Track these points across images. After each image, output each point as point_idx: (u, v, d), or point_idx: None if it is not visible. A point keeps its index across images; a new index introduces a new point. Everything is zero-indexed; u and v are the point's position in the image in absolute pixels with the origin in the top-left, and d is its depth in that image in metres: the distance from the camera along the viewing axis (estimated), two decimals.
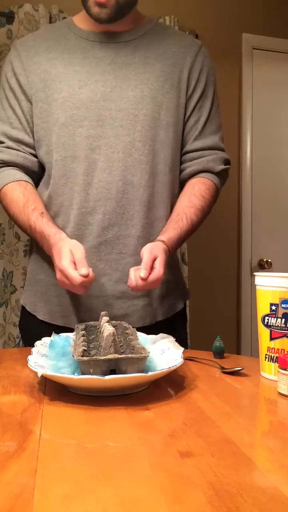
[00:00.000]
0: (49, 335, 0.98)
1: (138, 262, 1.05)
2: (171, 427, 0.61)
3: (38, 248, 1.21)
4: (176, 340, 0.93)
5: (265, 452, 0.55)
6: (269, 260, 2.64)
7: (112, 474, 0.48)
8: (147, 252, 0.99)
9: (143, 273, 0.95)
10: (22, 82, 1.14)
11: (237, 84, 2.60)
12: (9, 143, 1.15)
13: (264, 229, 2.67)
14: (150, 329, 1.10)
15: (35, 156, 1.18)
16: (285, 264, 2.65)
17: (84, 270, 0.94)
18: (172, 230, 1.10)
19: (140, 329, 1.09)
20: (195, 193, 1.16)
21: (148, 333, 1.02)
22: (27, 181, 1.15)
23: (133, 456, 0.53)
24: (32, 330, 1.21)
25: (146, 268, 0.96)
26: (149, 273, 0.96)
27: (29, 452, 0.54)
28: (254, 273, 0.90)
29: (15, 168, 1.16)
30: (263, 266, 2.64)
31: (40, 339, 0.94)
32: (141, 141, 1.11)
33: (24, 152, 1.16)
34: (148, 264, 0.97)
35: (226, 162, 1.23)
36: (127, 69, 1.12)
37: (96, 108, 1.10)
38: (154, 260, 0.99)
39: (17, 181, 1.13)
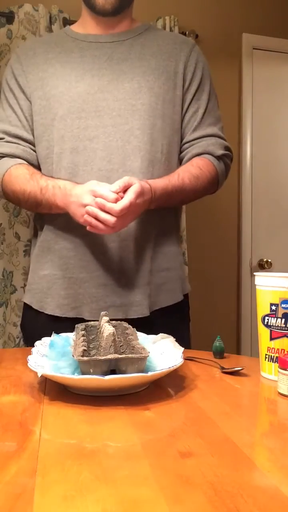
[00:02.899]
0: (58, 330, 0.98)
1: (139, 248, 1.06)
2: (171, 427, 0.61)
3: (40, 245, 1.21)
4: (178, 340, 0.93)
5: (265, 452, 0.55)
6: (269, 260, 2.64)
7: (112, 474, 0.48)
8: (122, 179, 1.00)
9: (114, 187, 0.98)
10: (21, 82, 1.18)
11: (237, 84, 2.60)
12: (8, 138, 1.18)
13: (264, 229, 2.67)
14: (150, 322, 1.10)
15: (35, 151, 1.20)
16: (285, 264, 2.65)
17: (115, 187, 0.98)
18: (160, 180, 1.11)
19: (141, 320, 1.09)
20: (193, 164, 1.18)
21: (149, 325, 1.02)
22: (29, 164, 1.17)
23: (133, 456, 0.53)
24: (38, 329, 1.19)
25: (119, 185, 0.98)
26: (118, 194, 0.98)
27: (29, 452, 0.54)
28: (254, 273, 0.90)
29: (15, 158, 1.18)
30: (263, 266, 2.64)
31: (48, 336, 0.94)
32: (139, 129, 1.13)
33: (24, 146, 1.18)
34: (120, 186, 0.99)
35: (227, 149, 1.25)
36: (123, 64, 1.15)
37: (93, 100, 1.12)
38: (127, 186, 1.00)
39: (19, 163, 1.16)
